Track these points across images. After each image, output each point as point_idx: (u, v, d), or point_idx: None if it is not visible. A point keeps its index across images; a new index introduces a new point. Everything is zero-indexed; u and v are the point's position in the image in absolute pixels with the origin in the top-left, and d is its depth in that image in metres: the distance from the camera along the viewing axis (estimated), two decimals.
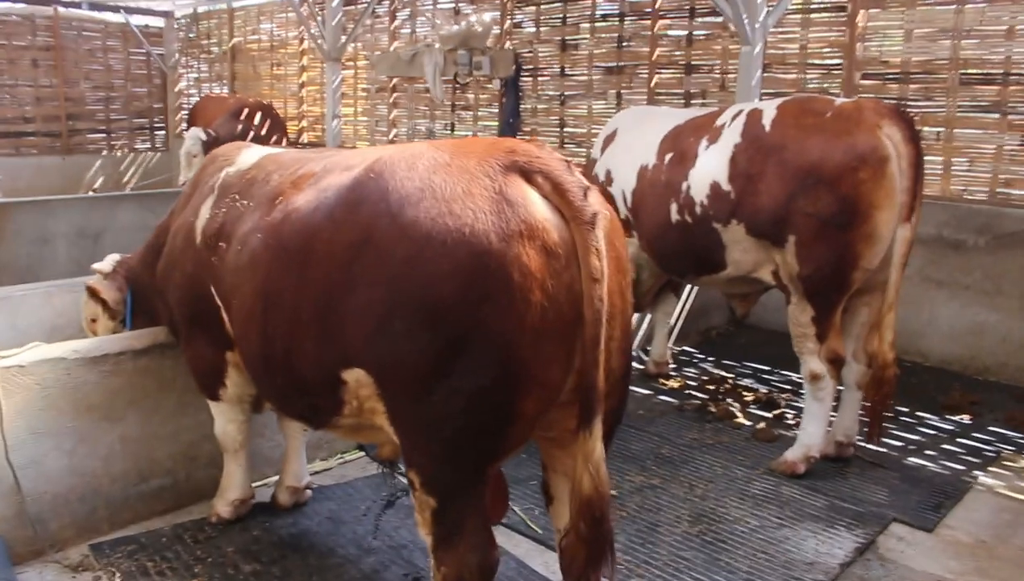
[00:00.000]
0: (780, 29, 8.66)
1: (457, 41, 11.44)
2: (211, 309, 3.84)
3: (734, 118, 5.53)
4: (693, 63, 9.59)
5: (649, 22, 9.84)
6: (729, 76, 9.14)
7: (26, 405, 4.09)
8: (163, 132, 18.17)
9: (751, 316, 7.07)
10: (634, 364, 6.24)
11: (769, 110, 5.35)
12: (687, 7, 9.52)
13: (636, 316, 7.00)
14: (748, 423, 6.17)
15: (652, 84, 9.86)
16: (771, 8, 7.60)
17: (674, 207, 5.64)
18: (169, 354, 4.54)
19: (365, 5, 12.90)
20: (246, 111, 13.22)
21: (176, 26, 17.87)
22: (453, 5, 12.16)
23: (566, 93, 10.87)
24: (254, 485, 4.85)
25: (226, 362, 4.01)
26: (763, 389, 6.85)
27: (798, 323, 5.13)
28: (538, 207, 2.64)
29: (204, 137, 12.35)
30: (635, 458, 5.48)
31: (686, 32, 9.59)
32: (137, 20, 17.36)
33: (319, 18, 13.28)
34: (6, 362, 4.04)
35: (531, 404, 2.68)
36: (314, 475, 5.06)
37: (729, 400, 6.57)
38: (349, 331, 2.81)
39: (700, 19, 9.44)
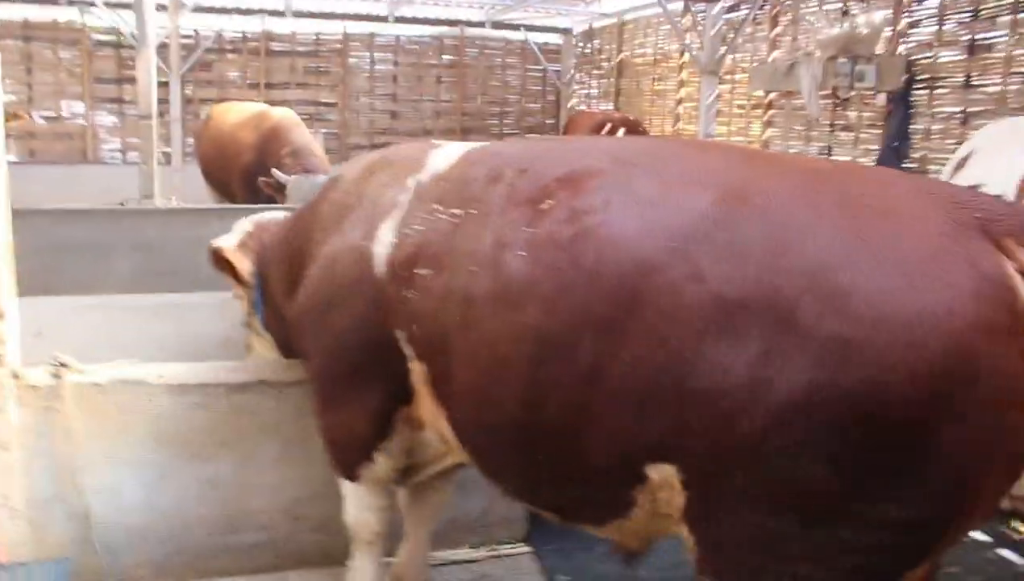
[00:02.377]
0: None
1: (838, 47, 9.82)
2: (388, 360, 2.98)
3: None
4: None
5: None
6: None
7: (101, 427, 3.74)
8: None
9: None
10: None
11: None
12: None
13: None
14: None
15: None
16: None
17: None
18: (272, 394, 3.93)
19: (746, 11, 11.67)
20: (609, 125, 12.75)
21: (573, 42, 18.18)
22: (841, 5, 10.38)
23: (970, 110, 8.62)
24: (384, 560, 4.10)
25: (391, 429, 3.17)
26: None
27: None
28: (1021, 288, 1.98)
29: None
30: None
31: None
32: (537, 38, 17.99)
33: (700, 28, 12.37)
34: (82, 379, 3.72)
35: (953, 538, 2.19)
36: (448, 566, 4.17)
37: None
38: (681, 413, 2.17)
39: None
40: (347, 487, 3.42)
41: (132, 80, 15.15)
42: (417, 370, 2.87)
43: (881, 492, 2.02)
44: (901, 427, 1.97)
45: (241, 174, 9.40)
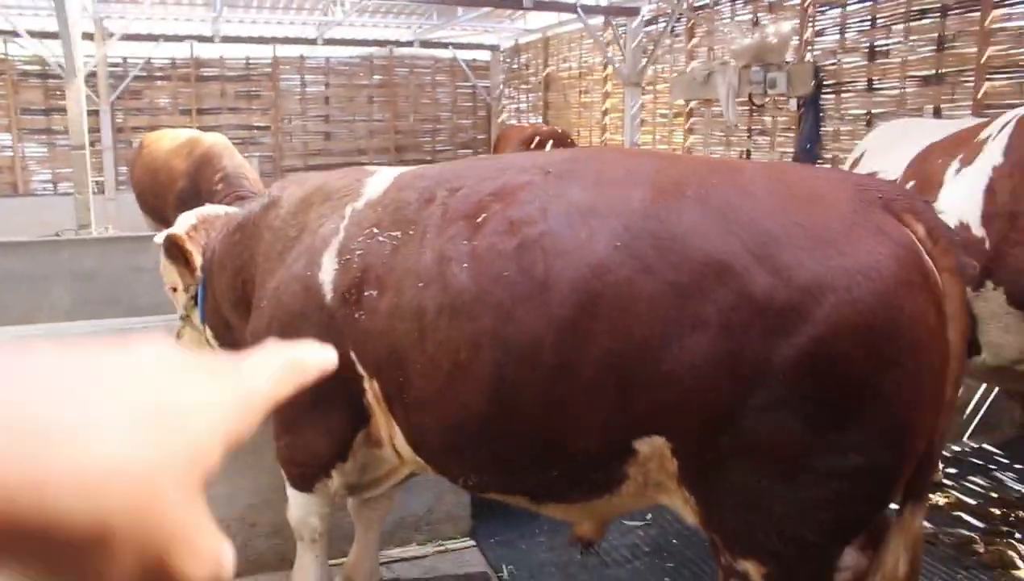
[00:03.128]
0: None
1: (751, 56, 10.14)
2: (345, 381, 3.05)
3: (1002, 128, 3.77)
4: None
5: (979, 15, 7.73)
6: None
7: None
8: None
9: None
10: None
11: None
12: None
13: None
14: None
15: (979, 94, 7.73)
16: None
17: None
18: None
19: (664, 24, 12.07)
20: (537, 138, 13.00)
21: (501, 58, 18.40)
22: (751, 16, 10.79)
23: (874, 111, 9.04)
24: (331, 563, 4.23)
25: (348, 447, 3.23)
26: None
27: None
28: (924, 253, 2.28)
29: None
30: None
31: None
32: (465, 55, 18.21)
33: (621, 41, 12.73)
34: None
35: (904, 477, 2.40)
36: (398, 563, 4.34)
37: (1017, 537, 4.58)
38: (661, 394, 2.33)
39: None
40: (294, 495, 3.47)
41: (60, 110, 15.05)
42: (370, 389, 2.97)
43: (842, 441, 2.23)
44: (851, 378, 2.19)
45: (175, 201, 9.45)
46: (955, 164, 3.92)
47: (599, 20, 13.27)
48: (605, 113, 14.60)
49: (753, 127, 11.05)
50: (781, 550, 2.39)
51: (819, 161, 9.58)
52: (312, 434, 3.20)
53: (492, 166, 2.90)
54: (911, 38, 8.58)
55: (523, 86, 17.81)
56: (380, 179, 3.19)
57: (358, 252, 2.92)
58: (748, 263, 2.23)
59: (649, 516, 4.70)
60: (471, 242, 2.61)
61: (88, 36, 13.78)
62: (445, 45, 17.61)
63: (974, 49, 7.85)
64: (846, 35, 9.47)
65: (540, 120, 16.55)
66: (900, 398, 2.21)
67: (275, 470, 4.11)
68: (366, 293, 2.84)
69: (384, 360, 2.81)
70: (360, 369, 2.92)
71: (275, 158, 17.21)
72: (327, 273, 2.98)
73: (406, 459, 3.16)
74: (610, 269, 2.35)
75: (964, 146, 4.00)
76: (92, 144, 9.89)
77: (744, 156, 11.23)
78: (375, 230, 2.93)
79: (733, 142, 11.43)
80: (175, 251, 3.74)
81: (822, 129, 9.74)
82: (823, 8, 9.74)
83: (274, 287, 3.19)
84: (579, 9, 12.20)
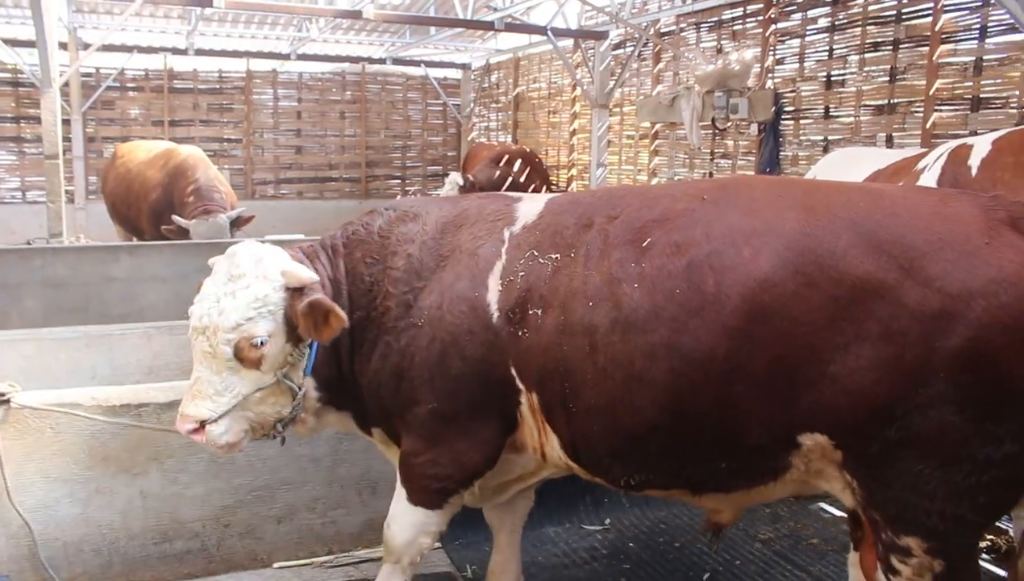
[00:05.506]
0: None
1: (714, 82, 10.45)
2: (502, 395, 3.20)
3: (937, 159, 4.06)
4: (982, 96, 7.73)
5: (927, 49, 8.10)
6: None
7: (37, 448, 3.94)
8: None
9: None
10: None
11: (981, 145, 3.86)
12: (976, 26, 7.69)
13: None
14: None
15: (928, 124, 8.09)
16: None
17: None
18: None
19: (632, 48, 12.37)
20: (506, 157, 13.24)
21: (472, 77, 18.59)
22: (715, 43, 11.12)
23: (830, 137, 9.38)
24: (301, 563, 4.39)
25: (498, 456, 3.35)
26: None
27: None
28: None
29: (462, 182, 12.55)
30: None
31: (974, 58, 7.74)
32: (437, 73, 18.39)
33: (590, 64, 13.02)
34: (18, 403, 3.89)
35: None
36: (366, 563, 4.45)
37: None
38: (828, 393, 2.61)
39: (993, 39, 7.60)
40: (414, 512, 3.42)
41: (31, 118, 15.05)
42: (526, 401, 3.15)
43: (998, 431, 2.49)
44: (1003, 373, 2.45)
45: (149, 211, 9.57)
46: None
47: (568, 43, 13.57)
48: (573, 133, 14.82)
49: (716, 150, 11.32)
50: (942, 528, 2.62)
51: None
52: (464, 446, 3.27)
53: (646, 194, 3.15)
54: (866, 69, 8.91)
55: (493, 105, 18.00)
56: (531, 204, 3.40)
57: (521, 273, 3.13)
58: (900, 276, 2.52)
59: (608, 521, 4.91)
60: (639, 264, 2.87)
61: (62, 45, 13.82)
62: (417, 63, 17.78)
63: (923, 81, 8.20)
64: (805, 64, 9.77)
65: (509, 139, 16.76)
66: None
67: (248, 472, 4.29)
68: (530, 312, 3.06)
69: (548, 374, 3.01)
70: (519, 383, 3.12)
71: (246, 171, 17.28)
72: (492, 293, 3.15)
73: (549, 464, 3.35)
74: (776, 283, 2.64)
75: (903, 174, 4.29)
76: (63, 153, 9.92)
77: (707, 178, 11.49)
78: (535, 253, 3.15)
79: (696, 164, 11.70)
80: (318, 315, 3.12)
81: (781, 153, 10.02)
82: (784, 38, 10.05)
83: (434, 305, 3.22)
84: (549, 32, 12.49)
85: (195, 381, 3.22)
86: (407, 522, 3.45)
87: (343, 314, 3.12)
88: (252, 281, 3.16)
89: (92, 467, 4.02)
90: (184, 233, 8.82)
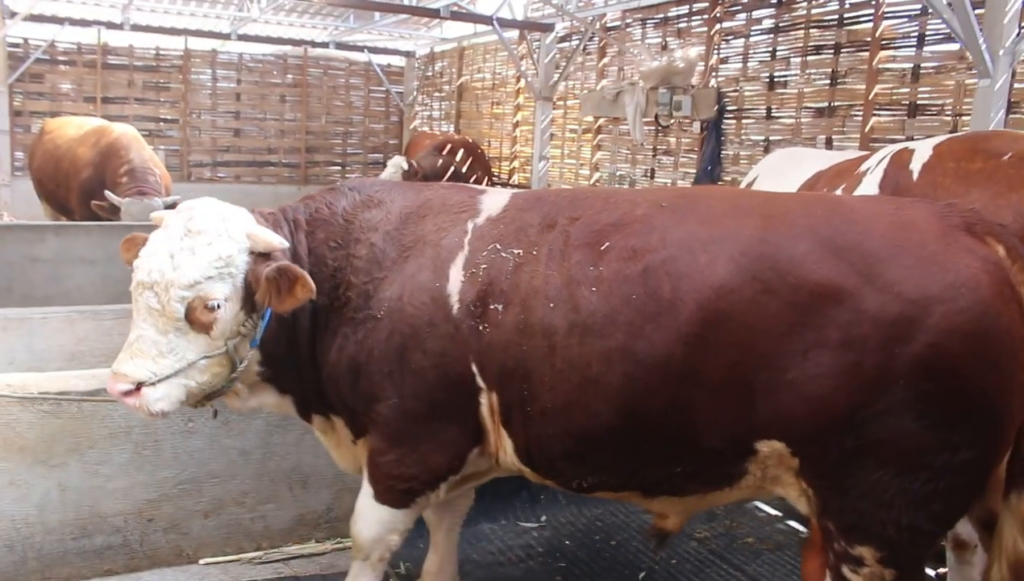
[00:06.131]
0: None
1: (658, 78, 10.51)
2: (465, 393, 3.08)
3: (879, 162, 4.09)
4: (919, 102, 7.89)
5: (868, 54, 8.23)
6: (963, 118, 7.37)
7: None
8: None
9: None
10: None
11: (923, 150, 3.89)
12: (915, 34, 7.84)
13: None
14: None
15: (867, 128, 8.23)
16: (1022, 31, 5.95)
17: None
18: None
19: (577, 41, 12.35)
20: (449, 146, 13.14)
21: (416, 65, 18.44)
22: (661, 40, 11.15)
23: (771, 138, 9.47)
24: (229, 559, 4.27)
25: (464, 460, 3.24)
26: None
27: None
28: (1010, 269, 2.58)
29: (406, 166, 12.43)
30: None
31: (912, 65, 7.88)
32: (380, 59, 18.18)
33: (535, 56, 12.97)
34: None
35: (997, 466, 2.70)
36: (297, 560, 4.38)
37: None
38: (786, 400, 2.60)
39: (930, 48, 7.75)
40: (380, 510, 3.34)
41: None
42: (487, 402, 3.06)
43: (954, 438, 2.50)
44: (961, 379, 2.46)
45: (79, 191, 9.22)
46: (838, 193, 4.23)
47: (514, 34, 13.50)
48: (516, 125, 14.75)
49: (658, 146, 11.35)
50: (897, 537, 2.64)
51: (719, 183, 9.95)
52: (428, 447, 3.18)
53: (608, 198, 3.12)
54: (807, 71, 9.01)
55: (436, 94, 17.85)
56: (495, 198, 3.31)
57: (483, 266, 3.04)
58: (859, 282, 2.52)
59: (544, 518, 4.87)
60: (597, 267, 2.85)
61: None
62: (361, 48, 17.52)
63: (863, 86, 8.33)
64: (748, 64, 9.84)
65: (452, 128, 16.64)
66: (999, 396, 2.49)
67: (174, 464, 4.15)
68: (491, 306, 2.98)
69: (508, 373, 2.94)
70: (480, 381, 3.03)
71: (182, 152, 16.84)
72: (454, 284, 3.05)
73: (501, 467, 3.29)
74: (733, 290, 2.63)
75: (846, 176, 4.31)
76: None
77: (649, 174, 11.54)
78: (498, 246, 3.06)
79: (639, 160, 11.72)
80: (284, 282, 2.97)
81: (723, 152, 10.08)
82: (728, 37, 10.11)
83: (394, 297, 3.10)
84: (495, 22, 12.39)
85: (136, 339, 2.98)
86: (373, 519, 3.37)
87: (312, 284, 2.97)
88: (215, 239, 2.96)
89: (6, 458, 3.84)
90: (116, 210, 8.50)
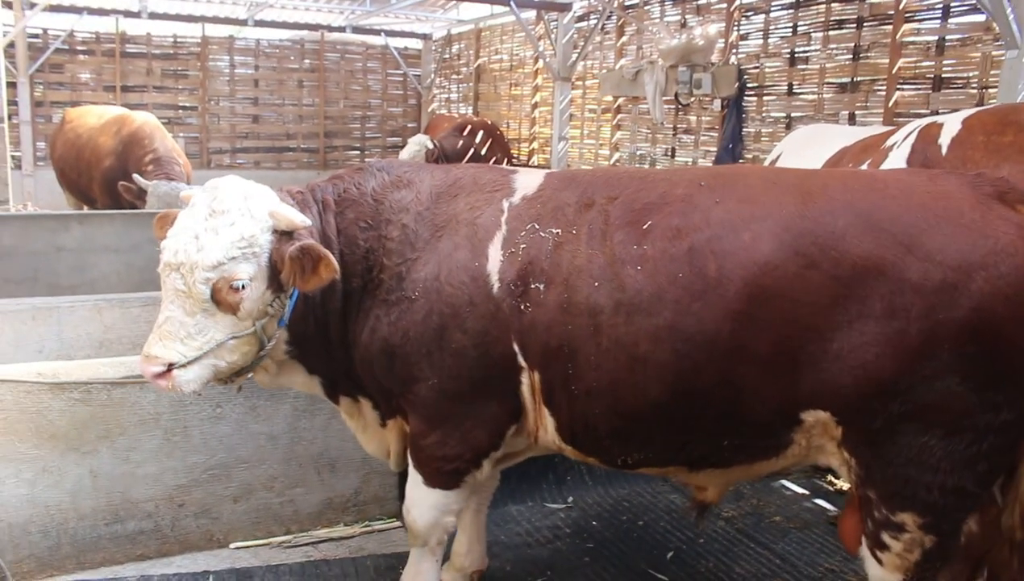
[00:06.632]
0: None
1: (678, 56, 10.39)
2: (506, 372, 3.08)
3: (906, 137, 4.03)
4: (944, 75, 7.78)
5: (891, 27, 8.11)
6: (989, 91, 7.25)
7: None
8: None
9: None
10: None
11: (952, 124, 3.84)
12: (939, 5, 7.72)
13: None
14: None
15: (891, 103, 8.12)
16: None
17: None
18: (151, 387, 3.82)
19: (595, 21, 12.25)
20: (469, 127, 13.12)
21: (433, 48, 18.36)
22: (680, 17, 11.04)
23: (793, 115, 9.37)
24: (259, 543, 4.30)
25: (504, 436, 3.25)
26: None
27: None
28: None
29: (430, 145, 12.40)
30: None
31: (936, 38, 7.76)
32: (397, 43, 18.09)
33: (552, 36, 12.88)
34: None
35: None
36: (325, 543, 4.41)
37: None
38: (832, 371, 2.65)
39: (955, 19, 7.64)
40: (432, 494, 3.34)
41: None
42: (528, 381, 3.07)
43: (997, 398, 2.56)
44: (1004, 341, 2.51)
45: (102, 179, 9.26)
46: (864, 168, 4.18)
47: (531, 14, 13.41)
48: (535, 106, 14.68)
49: (678, 125, 11.27)
50: (942, 501, 2.68)
51: (740, 161, 9.86)
52: (469, 424, 3.19)
53: (645, 178, 3.11)
54: (829, 46, 8.90)
55: (454, 76, 17.77)
56: (529, 177, 3.30)
57: (522, 245, 3.03)
58: (900, 253, 2.57)
59: (571, 499, 4.88)
60: (641, 247, 2.86)
61: (6, 4, 13.33)
62: (377, 32, 17.44)
63: (886, 60, 8.22)
64: (769, 40, 9.74)
65: (470, 111, 16.56)
66: None
67: (203, 450, 4.18)
68: (532, 285, 2.97)
69: (551, 352, 2.94)
70: (521, 360, 3.03)
71: (202, 139, 16.88)
72: (494, 263, 3.04)
73: (539, 447, 3.31)
74: (777, 266, 2.67)
75: (872, 152, 4.26)
76: (9, 117, 9.56)
77: (670, 153, 11.46)
78: (536, 225, 3.05)
79: (659, 139, 11.65)
80: (308, 261, 2.96)
81: (744, 130, 10.00)
82: (748, 13, 10.02)
83: (430, 277, 3.08)
84: (512, 2, 12.30)
85: (165, 321, 3.00)
86: (427, 505, 3.38)
87: (336, 264, 2.96)
88: (238, 218, 2.94)
89: (39, 446, 3.88)
90: (142, 194, 8.52)
